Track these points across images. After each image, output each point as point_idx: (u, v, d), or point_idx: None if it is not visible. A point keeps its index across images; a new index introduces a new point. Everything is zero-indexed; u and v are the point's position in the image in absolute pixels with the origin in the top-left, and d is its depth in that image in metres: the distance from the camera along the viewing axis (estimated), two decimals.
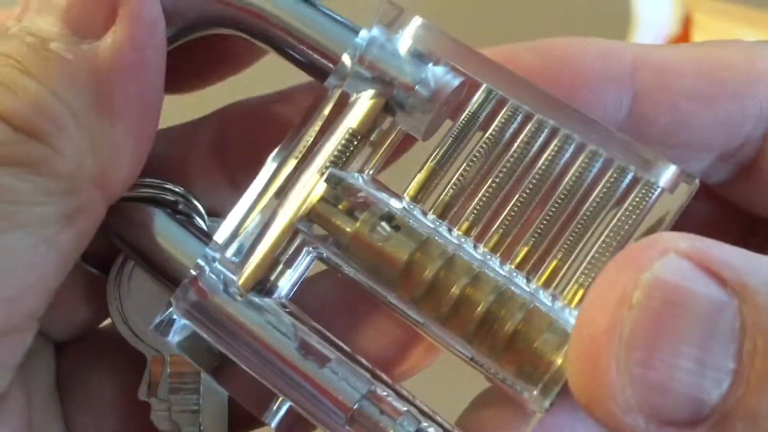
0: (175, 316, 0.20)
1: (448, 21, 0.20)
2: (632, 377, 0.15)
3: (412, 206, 0.19)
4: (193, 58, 0.22)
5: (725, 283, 0.15)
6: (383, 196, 0.19)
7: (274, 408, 0.19)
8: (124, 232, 0.21)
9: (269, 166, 0.20)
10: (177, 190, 0.21)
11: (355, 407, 0.18)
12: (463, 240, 0.18)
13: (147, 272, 0.21)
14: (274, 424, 0.19)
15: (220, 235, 0.19)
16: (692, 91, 0.18)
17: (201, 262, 0.19)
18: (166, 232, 0.21)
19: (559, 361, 0.17)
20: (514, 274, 0.18)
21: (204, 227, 0.21)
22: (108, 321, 0.22)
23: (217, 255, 0.19)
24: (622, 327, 0.15)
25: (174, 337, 0.20)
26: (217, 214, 0.22)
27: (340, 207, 0.19)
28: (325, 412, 0.18)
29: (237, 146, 0.22)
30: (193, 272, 0.19)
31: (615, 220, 0.18)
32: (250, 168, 0.22)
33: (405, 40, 0.19)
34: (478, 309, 0.18)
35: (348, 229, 0.19)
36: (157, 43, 0.19)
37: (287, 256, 0.19)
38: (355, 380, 0.18)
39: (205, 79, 0.23)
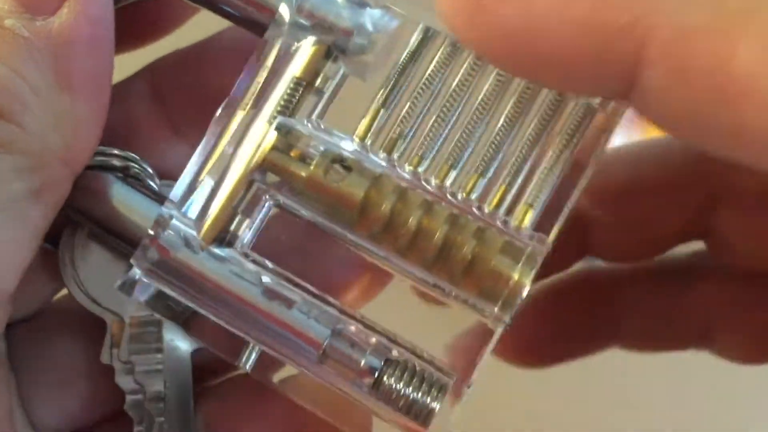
0: (137, 277, 0.20)
1: None
2: None
3: (361, 146, 0.20)
4: (124, 22, 0.22)
5: None
6: (333, 139, 0.19)
7: (247, 352, 0.20)
8: (79, 202, 0.21)
9: (218, 120, 0.20)
10: (125, 155, 0.21)
11: (326, 344, 0.19)
12: (413, 174, 0.19)
13: (103, 238, 0.21)
14: (248, 366, 0.20)
15: (176, 193, 0.20)
16: (709, 122, 0.15)
17: (159, 220, 0.20)
18: (121, 197, 0.21)
19: (516, 276, 0.18)
20: (466, 201, 0.19)
21: (156, 189, 0.22)
22: (61, 294, 0.22)
23: (174, 212, 0.20)
24: None
25: (140, 296, 0.20)
26: (167, 170, 0.22)
27: (292, 154, 0.19)
28: (297, 352, 0.19)
29: (175, 95, 0.23)
30: (152, 231, 0.20)
31: (556, 141, 0.19)
32: (193, 116, 0.22)
33: None
34: (435, 238, 0.18)
35: (303, 174, 0.19)
36: (108, 16, 0.20)
37: (244, 206, 0.20)
38: (323, 317, 0.19)
39: (134, 43, 0.23)
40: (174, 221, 0.20)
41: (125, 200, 0.21)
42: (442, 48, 0.19)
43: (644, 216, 0.23)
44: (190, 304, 0.20)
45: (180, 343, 0.22)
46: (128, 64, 0.23)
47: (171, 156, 0.22)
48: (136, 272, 0.20)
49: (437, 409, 0.18)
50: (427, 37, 0.20)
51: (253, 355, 0.20)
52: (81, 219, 0.21)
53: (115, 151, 0.21)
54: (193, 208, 0.20)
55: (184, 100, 0.22)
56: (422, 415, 0.18)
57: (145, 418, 0.21)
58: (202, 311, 0.19)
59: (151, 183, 0.22)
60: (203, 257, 0.19)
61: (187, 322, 0.20)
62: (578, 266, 0.25)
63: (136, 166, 0.21)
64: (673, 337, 0.25)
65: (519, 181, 0.19)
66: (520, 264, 0.18)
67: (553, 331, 0.25)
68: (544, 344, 0.25)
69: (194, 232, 0.19)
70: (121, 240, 0.21)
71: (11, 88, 0.18)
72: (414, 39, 0.20)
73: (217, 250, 0.19)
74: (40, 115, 0.19)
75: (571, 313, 0.25)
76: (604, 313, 0.25)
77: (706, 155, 0.22)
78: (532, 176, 0.19)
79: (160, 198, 0.21)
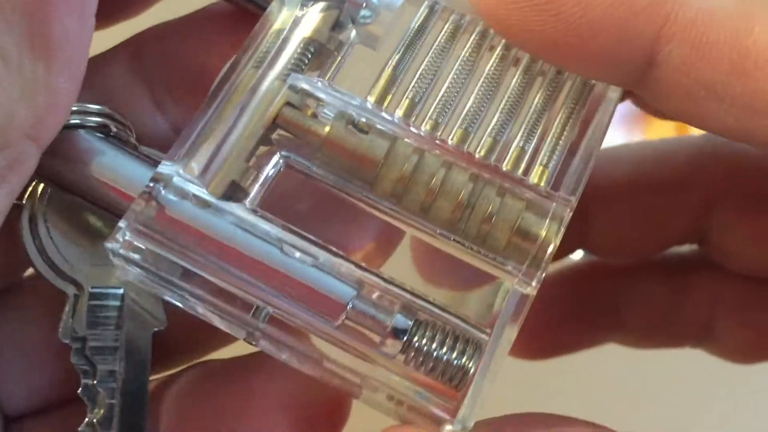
0: (125, 238, 0.17)
1: None
2: None
3: (376, 109, 0.19)
4: None
5: None
6: (346, 98, 0.19)
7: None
8: (49, 165, 0.18)
9: (223, 79, 0.19)
10: (102, 110, 0.19)
11: (349, 306, 0.17)
12: (431, 135, 0.19)
13: (70, 201, 0.19)
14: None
15: (177, 150, 0.18)
16: (725, 94, 0.16)
17: (156, 177, 0.18)
18: (101, 158, 0.19)
19: (544, 233, 0.18)
20: (484, 161, 0.19)
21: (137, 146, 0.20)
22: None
23: (175, 168, 0.18)
24: None
25: (128, 263, 0.18)
26: (145, 143, 0.20)
27: (305, 112, 0.19)
28: (317, 314, 0.17)
29: (157, 68, 0.21)
30: (146, 188, 0.18)
31: (563, 106, 0.19)
32: (174, 89, 0.21)
33: None
34: (460, 196, 0.18)
35: (320, 132, 0.18)
36: None
37: (254, 161, 0.18)
38: (345, 276, 0.18)
39: (116, 15, 0.21)
40: (175, 178, 0.18)
41: (106, 162, 0.19)
42: (449, 23, 0.20)
43: (640, 215, 0.24)
44: (190, 267, 0.18)
45: (142, 322, 0.19)
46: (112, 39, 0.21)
47: (150, 129, 0.21)
48: (126, 233, 0.17)
49: (473, 370, 0.17)
50: (433, 11, 0.20)
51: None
52: (48, 182, 0.19)
53: (91, 107, 0.19)
54: (197, 163, 0.18)
55: (166, 74, 0.21)
56: (457, 377, 0.17)
57: (98, 401, 0.19)
58: (205, 274, 0.17)
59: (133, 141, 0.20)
60: (210, 213, 0.18)
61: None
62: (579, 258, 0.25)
63: (115, 123, 0.19)
64: (673, 333, 0.25)
65: (532, 143, 0.19)
66: (547, 221, 0.18)
67: (552, 323, 0.25)
68: (544, 336, 0.25)
69: (199, 186, 0.18)
70: (99, 205, 0.19)
71: None
72: (420, 12, 0.20)
73: (225, 205, 0.18)
74: (8, 86, 0.16)
75: (572, 305, 0.25)
76: (604, 306, 0.25)
77: (705, 159, 0.24)
78: (544, 140, 0.19)
79: (146, 158, 0.19)
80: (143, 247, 0.18)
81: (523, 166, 0.19)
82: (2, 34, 0.16)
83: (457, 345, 0.17)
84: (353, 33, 0.20)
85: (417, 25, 0.20)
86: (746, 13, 0.16)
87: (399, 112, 0.19)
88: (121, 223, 0.18)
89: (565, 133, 0.19)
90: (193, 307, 0.18)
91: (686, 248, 0.25)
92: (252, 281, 0.17)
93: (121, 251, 0.17)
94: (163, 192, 0.18)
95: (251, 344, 0.18)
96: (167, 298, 0.18)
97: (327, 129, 0.18)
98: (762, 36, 0.16)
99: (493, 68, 0.20)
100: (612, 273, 0.26)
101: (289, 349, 0.18)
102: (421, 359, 0.17)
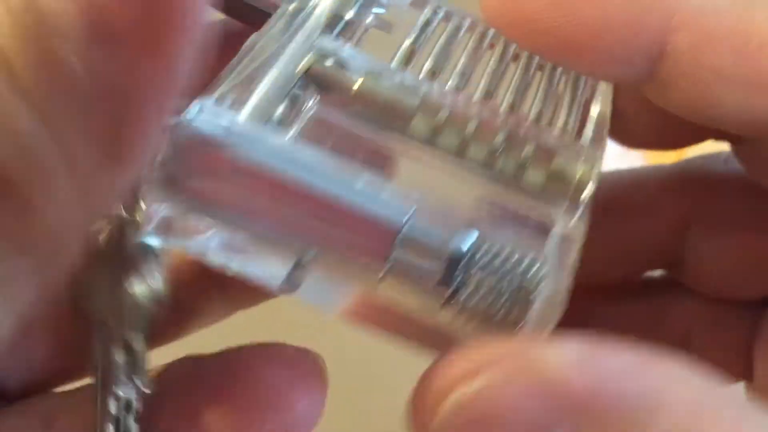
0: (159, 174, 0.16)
1: None
2: None
3: (401, 72, 0.19)
4: None
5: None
6: (374, 60, 0.19)
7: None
8: None
9: (249, 43, 0.19)
10: None
11: (404, 228, 0.16)
12: (457, 91, 0.19)
13: None
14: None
15: (207, 92, 0.17)
16: (731, 75, 0.18)
17: (187, 110, 0.17)
18: None
19: (579, 173, 0.18)
20: (512, 115, 0.19)
21: None
22: None
23: (208, 102, 0.17)
24: None
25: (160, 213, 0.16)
26: None
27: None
28: (370, 240, 0.16)
29: None
30: (176, 120, 0.16)
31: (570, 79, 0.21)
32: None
33: None
34: (498, 136, 0.18)
35: (354, 79, 0.18)
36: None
37: (285, 110, 0.18)
38: (400, 198, 0.17)
39: None
40: (207, 110, 0.17)
41: None
42: (451, 23, 0.21)
43: (613, 240, 0.24)
44: (228, 201, 0.16)
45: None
46: None
47: None
48: (159, 169, 0.16)
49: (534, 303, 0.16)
50: (435, 13, 0.21)
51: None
52: None
53: None
54: (231, 98, 0.17)
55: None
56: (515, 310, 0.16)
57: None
58: (245, 209, 0.16)
59: None
60: (245, 141, 0.16)
61: None
62: None
63: None
64: None
65: (551, 106, 0.20)
66: (581, 162, 0.18)
67: None
68: None
69: (233, 116, 0.17)
70: None
71: (37, 150, 0.12)
72: (424, 14, 0.21)
73: (266, 134, 0.17)
74: (66, 190, 0.13)
75: None
76: (581, 328, 0.24)
77: (676, 185, 0.25)
78: (560, 101, 0.20)
79: None
80: (175, 183, 0.16)
81: (545, 122, 0.20)
82: (75, 133, 0.13)
83: (518, 269, 0.16)
84: (370, 17, 0.21)
85: (423, 22, 0.21)
86: (747, 1, 0.18)
87: (425, 76, 0.19)
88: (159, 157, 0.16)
89: (578, 92, 0.20)
90: (229, 246, 0.16)
91: (661, 271, 0.26)
92: (298, 211, 0.16)
93: (155, 181, 0.16)
94: (195, 123, 0.17)
95: (287, 292, 0.17)
96: (192, 247, 0.17)
97: (360, 80, 0.18)
98: (764, 24, 0.18)
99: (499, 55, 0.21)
100: (588, 295, 0.25)
101: (338, 281, 0.16)
102: (476, 302, 0.16)
